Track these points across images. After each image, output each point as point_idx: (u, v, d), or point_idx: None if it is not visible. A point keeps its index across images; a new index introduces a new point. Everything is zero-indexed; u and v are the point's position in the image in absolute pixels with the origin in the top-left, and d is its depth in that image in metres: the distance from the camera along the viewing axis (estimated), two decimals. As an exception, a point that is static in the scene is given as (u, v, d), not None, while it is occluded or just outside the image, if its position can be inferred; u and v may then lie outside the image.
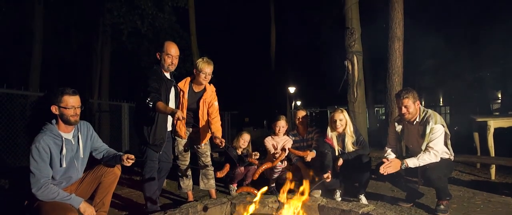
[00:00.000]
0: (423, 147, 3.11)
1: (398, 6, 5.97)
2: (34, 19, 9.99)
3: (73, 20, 12.94)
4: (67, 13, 12.28)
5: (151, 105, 2.62)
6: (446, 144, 3.19)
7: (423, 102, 23.55)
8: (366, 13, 7.74)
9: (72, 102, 2.37)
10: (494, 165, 4.60)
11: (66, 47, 14.21)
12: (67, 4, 11.73)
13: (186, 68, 13.04)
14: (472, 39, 14.03)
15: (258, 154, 3.50)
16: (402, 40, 6.01)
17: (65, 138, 2.40)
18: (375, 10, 7.89)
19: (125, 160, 2.51)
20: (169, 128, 3.23)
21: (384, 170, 2.95)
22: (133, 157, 2.54)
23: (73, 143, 2.47)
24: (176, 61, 3.10)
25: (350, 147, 3.63)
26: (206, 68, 3.33)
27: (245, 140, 4.23)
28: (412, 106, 3.15)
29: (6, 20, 10.58)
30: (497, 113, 14.42)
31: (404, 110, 3.19)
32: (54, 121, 2.39)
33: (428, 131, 3.08)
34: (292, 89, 21.31)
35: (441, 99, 26.55)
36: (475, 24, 13.41)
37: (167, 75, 3.11)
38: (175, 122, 3.32)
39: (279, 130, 4.13)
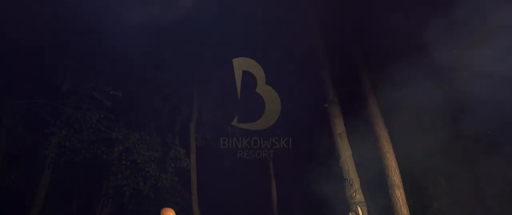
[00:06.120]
0: None
1: (389, 155, 6.35)
2: (39, 184, 10.18)
3: (77, 184, 13.18)
4: (72, 178, 12.63)
5: None
6: None
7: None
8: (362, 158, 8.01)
9: None
10: None
11: (65, 211, 13.90)
12: (74, 169, 12.21)
13: (187, 230, 12.46)
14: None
15: None
16: (402, 188, 6.09)
17: None
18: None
19: None
20: None
21: None
22: None
23: None
24: None
25: None
26: None
27: None
28: None
29: (11, 186, 10.74)
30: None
31: None
32: None
33: None
34: (299, 247, 19.65)
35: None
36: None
37: None
38: None
39: None
